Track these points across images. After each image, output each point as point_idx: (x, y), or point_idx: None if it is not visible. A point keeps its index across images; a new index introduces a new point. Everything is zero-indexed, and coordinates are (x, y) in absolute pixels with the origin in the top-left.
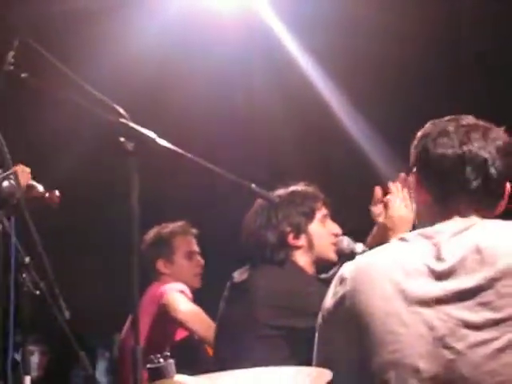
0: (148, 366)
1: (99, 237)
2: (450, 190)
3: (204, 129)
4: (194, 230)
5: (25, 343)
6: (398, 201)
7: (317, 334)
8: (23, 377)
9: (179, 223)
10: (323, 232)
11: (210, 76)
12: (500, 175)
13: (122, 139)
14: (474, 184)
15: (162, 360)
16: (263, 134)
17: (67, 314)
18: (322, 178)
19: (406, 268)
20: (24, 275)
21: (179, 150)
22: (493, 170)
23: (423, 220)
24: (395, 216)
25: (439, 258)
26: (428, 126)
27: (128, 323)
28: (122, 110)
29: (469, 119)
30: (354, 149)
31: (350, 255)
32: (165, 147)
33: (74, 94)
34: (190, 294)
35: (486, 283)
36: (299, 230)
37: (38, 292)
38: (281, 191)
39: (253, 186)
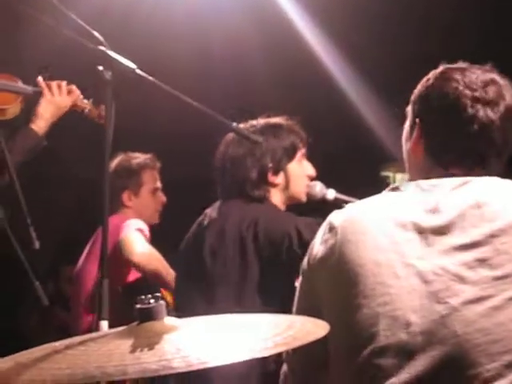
0: (138, 306)
1: (70, 167)
2: (449, 148)
3: (182, 63)
4: (159, 164)
5: None
6: None
7: (300, 281)
8: None
9: (147, 156)
10: (300, 172)
11: (187, 11)
12: (504, 141)
13: (101, 68)
14: (481, 145)
15: (152, 301)
16: (240, 71)
17: (37, 244)
18: (300, 116)
19: (400, 220)
20: None
21: (159, 83)
22: (496, 134)
23: (412, 167)
24: None
25: (437, 212)
26: (438, 82)
27: (85, 253)
28: (101, 38)
29: (481, 80)
30: (333, 90)
31: (321, 200)
32: (144, 78)
33: (55, 19)
34: (147, 233)
35: (484, 239)
36: (279, 167)
37: None
38: (264, 121)
39: (234, 124)
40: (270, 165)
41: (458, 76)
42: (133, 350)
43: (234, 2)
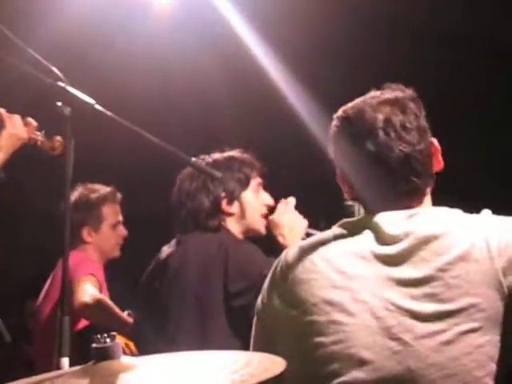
0: (94, 345)
1: (18, 203)
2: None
3: (142, 97)
4: (119, 196)
5: None
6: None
7: (255, 320)
8: None
9: (108, 188)
10: (256, 201)
11: (148, 44)
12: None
13: (59, 103)
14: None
15: (108, 340)
16: (201, 104)
17: (8, 337)
18: (260, 148)
19: (351, 256)
20: None
21: (117, 118)
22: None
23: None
24: (294, 214)
25: (386, 246)
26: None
27: (45, 290)
28: (60, 74)
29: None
30: (293, 120)
31: None
32: (103, 113)
33: (12, 55)
34: (100, 275)
35: (434, 274)
36: (233, 197)
37: None
38: (217, 155)
39: (194, 160)
40: (223, 194)
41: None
42: None
43: (195, 36)
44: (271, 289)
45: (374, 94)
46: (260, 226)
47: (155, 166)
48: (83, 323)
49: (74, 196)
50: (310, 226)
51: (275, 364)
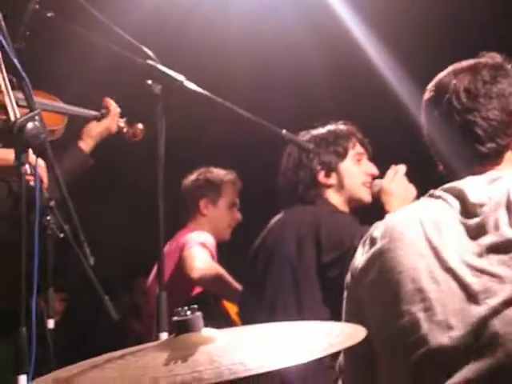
0: (174, 318)
1: (126, 182)
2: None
3: (235, 73)
4: (240, 183)
5: (48, 287)
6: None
7: (345, 294)
8: (46, 320)
9: (231, 172)
10: (356, 171)
11: (242, 19)
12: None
13: (150, 82)
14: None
15: (189, 313)
16: (295, 77)
17: (92, 260)
18: (353, 121)
19: (437, 224)
20: (48, 218)
21: (208, 94)
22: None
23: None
24: (403, 182)
25: (471, 212)
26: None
27: (154, 271)
28: (150, 52)
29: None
30: (385, 91)
31: None
32: (193, 90)
33: (102, 36)
34: (212, 247)
35: None
36: (330, 168)
37: (62, 235)
38: (315, 131)
39: (284, 132)
40: (319, 167)
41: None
42: (167, 363)
43: (292, 14)
44: (359, 262)
45: (456, 64)
46: (363, 195)
47: (250, 141)
48: (197, 290)
49: (196, 174)
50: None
51: (356, 332)
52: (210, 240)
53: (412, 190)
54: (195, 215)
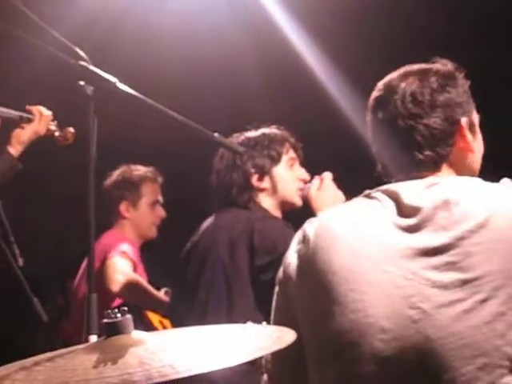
0: (104, 320)
1: (59, 184)
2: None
3: (170, 74)
4: (161, 179)
5: None
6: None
7: (276, 290)
8: None
9: (149, 168)
10: (289, 176)
11: (177, 20)
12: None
13: (82, 83)
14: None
15: (119, 315)
16: (230, 81)
17: (21, 261)
18: (290, 126)
19: (370, 224)
20: None
21: (140, 96)
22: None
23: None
24: (331, 189)
25: (405, 214)
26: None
27: (82, 269)
28: (81, 53)
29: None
30: (323, 98)
31: None
32: (125, 92)
33: (33, 35)
34: (133, 255)
35: (454, 242)
36: (263, 172)
37: None
38: (250, 133)
39: (216, 135)
40: (253, 170)
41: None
42: (96, 365)
43: (228, 15)
44: (292, 258)
45: (408, 67)
46: (295, 199)
47: (182, 142)
48: (117, 301)
49: (115, 174)
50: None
51: (285, 335)
52: (130, 249)
53: (340, 195)
54: (117, 218)
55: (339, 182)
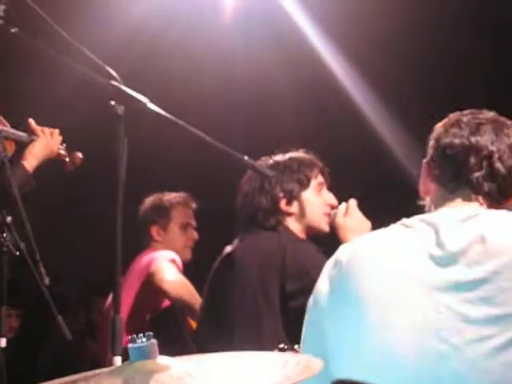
0: (129, 345)
1: (89, 203)
2: (454, 179)
3: (201, 94)
4: (194, 204)
5: (1, 304)
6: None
7: (306, 317)
8: None
9: (181, 194)
10: (317, 201)
11: (207, 41)
12: (509, 172)
13: (113, 102)
14: (477, 175)
15: (144, 339)
16: (260, 99)
17: (47, 280)
18: (319, 143)
19: (406, 254)
20: (5, 234)
21: (170, 116)
22: (499, 164)
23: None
24: (357, 216)
25: (441, 246)
26: (446, 118)
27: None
28: (113, 72)
29: (486, 113)
30: (354, 113)
31: None
32: (156, 112)
33: (66, 54)
34: (180, 264)
35: (488, 276)
36: (292, 197)
37: (18, 253)
38: (278, 157)
39: (246, 158)
40: (281, 194)
41: (464, 120)
42: None
43: (260, 34)
44: (324, 285)
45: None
46: (322, 225)
47: (215, 165)
48: (166, 303)
49: (149, 199)
50: (375, 227)
51: (313, 365)
52: (177, 257)
53: (367, 222)
54: (150, 242)
55: (366, 205)
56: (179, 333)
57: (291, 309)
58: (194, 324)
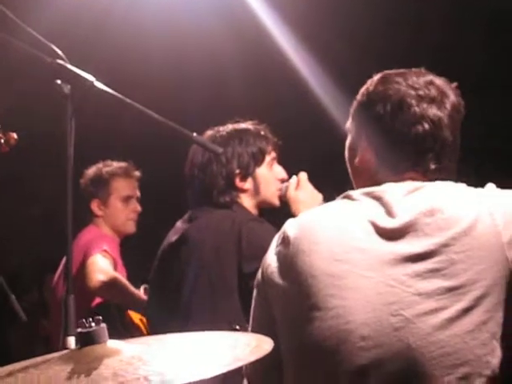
0: (78, 330)
1: (36, 178)
2: (402, 153)
3: (150, 70)
4: (137, 173)
5: None
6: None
7: (255, 293)
8: None
9: (122, 164)
10: (270, 176)
11: (156, 16)
12: (454, 139)
13: (59, 81)
14: (433, 162)
15: (93, 324)
16: (209, 73)
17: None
18: (270, 119)
19: (353, 228)
20: None
21: (118, 95)
22: (446, 133)
23: (362, 181)
24: (309, 189)
25: (389, 219)
26: (380, 86)
27: (60, 267)
28: (59, 51)
29: (423, 81)
30: (304, 90)
31: None
32: (103, 91)
33: (9, 32)
34: (114, 251)
35: (437, 248)
36: (247, 173)
37: None
38: (231, 127)
39: (195, 135)
40: (237, 171)
41: (398, 78)
42: (70, 377)
43: (211, 12)
44: (271, 260)
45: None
46: (274, 200)
47: (162, 141)
48: (97, 300)
49: (89, 172)
50: (326, 199)
51: (263, 345)
52: (111, 245)
53: (318, 195)
54: (91, 217)
55: (318, 178)
56: (113, 329)
57: (249, 288)
58: (133, 314)
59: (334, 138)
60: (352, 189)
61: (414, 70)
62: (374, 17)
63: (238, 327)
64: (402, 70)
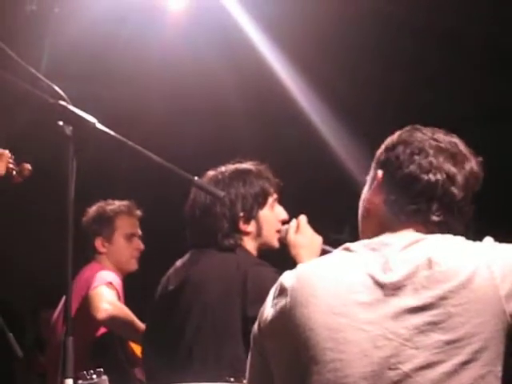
0: (80, 382)
1: (36, 214)
2: (410, 198)
3: (151, 108)
4: (139, 212)
5: None
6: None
7: (252, 344)
8: None
9: (125, 202)
10: (272, 218)
11: (157, 55)
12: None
13: (61, 123)
14: (437, 214)
15: (94, 376)
16: (213, 111)
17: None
18: (273, 158)
19: (351, 281)
20: None
21: (119, 137)
22: (457, 190)
23: (368, 225)
24: (308, 233)
25: (387, 272)
26: (405, 134)
27: (60, 306)
28: (61, 92)
29: (447, 139)
30: (308, 130)
31: None
32: (105, 133)
33: (12, 72)
34: (118, 286)
35: (435, 301)
36: (250, 216)
37: None
38: (232, 167)
39: (196, 179)
40: (241, 213)
41: (425, 131)
42: None
43: (209, 43)
44: (268, 312)
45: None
46: (274, 242)
47: (163, 183)
48: (102, 330)
49: (91, 210)
50: (335, 231)
51: None
52: (116, 280)
53: (318, 238)
54: (94, 254)
55: (316, 210)
56: (116, 359)
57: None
58: (135, 346)
59: (334, 170)
60: (351, 224)
61: (443, 130)
62: (374, 51)
63: (232, 380)
64: (431, 127)
